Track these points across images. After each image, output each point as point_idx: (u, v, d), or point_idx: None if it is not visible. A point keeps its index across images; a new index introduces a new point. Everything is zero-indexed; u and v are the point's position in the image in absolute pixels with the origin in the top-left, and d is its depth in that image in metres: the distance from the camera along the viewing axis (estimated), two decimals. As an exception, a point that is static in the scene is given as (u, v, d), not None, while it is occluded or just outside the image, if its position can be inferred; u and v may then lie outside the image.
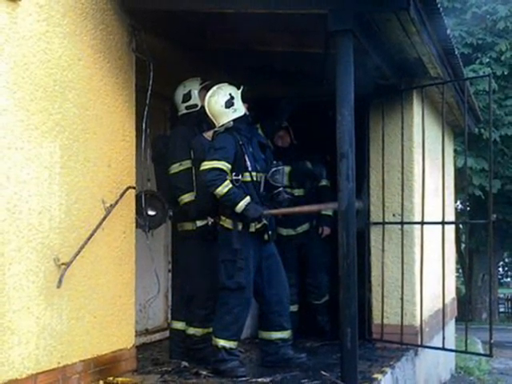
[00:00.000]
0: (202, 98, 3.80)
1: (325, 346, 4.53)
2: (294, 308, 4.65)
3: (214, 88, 3.69)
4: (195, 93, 3.94)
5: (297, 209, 4.06)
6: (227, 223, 3.59)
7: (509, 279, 31.80)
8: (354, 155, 3.14)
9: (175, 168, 3.85)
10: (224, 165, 3.51)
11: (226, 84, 3.72)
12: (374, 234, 4.65)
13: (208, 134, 3.79)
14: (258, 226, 3.60)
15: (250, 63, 4.48)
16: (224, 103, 3.63)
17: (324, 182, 4.90)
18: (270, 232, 3.68)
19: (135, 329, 3.70)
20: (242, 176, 3.60)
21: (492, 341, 4.23)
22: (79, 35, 3.16)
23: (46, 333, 2.90)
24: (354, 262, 3.14)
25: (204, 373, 3.53)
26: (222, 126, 3.66)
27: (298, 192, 4.78)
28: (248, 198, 3.53)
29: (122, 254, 3.49)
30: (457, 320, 7.21)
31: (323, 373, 3.39)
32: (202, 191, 3.64)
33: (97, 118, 3.29)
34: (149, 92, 3.64)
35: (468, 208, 12.50)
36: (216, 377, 3.48)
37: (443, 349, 4.42)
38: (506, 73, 11.25)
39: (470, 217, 11.69)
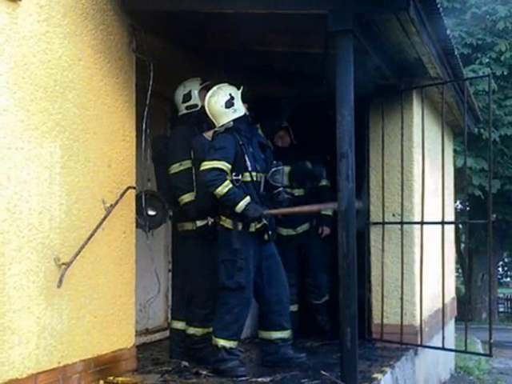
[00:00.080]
0: (202, 98, 3.80)
1: (325, 345, 4.53)
2: (293, 308, 4.65)
3: (214, 88, 3.70)
4: (195, 93, 3.94)
5: (297, 209, 4.06)
6: (227, 223, 3.59)
7: (508, 279, 31.81)
8: (353, 155, 3.15)
9: (175, 168, 3.85)
10: (224, 165, 3.52)
11: (226, 84, 3.73)
12: (374, 234, 4.66)
13: (208, 134, 3.79)
14: (258, 225, 3.61)
15: (250, 63, 4.49)
16: (224, 103, 3.63)
17: (324, 182, 4.91)
18: (270, 232, 3.68)
19: (135, 328, 3.70)
20: (242, 176, 3.60)
21: (492, 340, 4.23)
22: (79, 35, 3.17)
23: (47, 332, 2.91)
24: (354, 261, 3.14)
25: (204, 372, 3.54)
26: (222, 126, 3.66)
27: (298, 192, 4.78)
28: (248, 198, 3.54)
29: (123, 254, 3.50)
30: (456, 320, 7.22)
31: (323, 372, 3.39)
32: (202, 191, 3.64)
33: (97, 118, 3.30)
34: (149, 92, 3.65)
35: (468, 208, 12.50)
36: (216, 376, 3.49)
37: (443, 348, 4.42)
38: (505, 73, 11.25)
39: (470, 217, 11.69)
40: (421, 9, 3.42)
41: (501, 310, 17.94)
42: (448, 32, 4.16)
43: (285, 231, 4.84)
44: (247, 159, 3.62)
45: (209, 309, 3.76)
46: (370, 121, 4.67)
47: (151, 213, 3.75)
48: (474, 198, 11.25)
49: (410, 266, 4.53)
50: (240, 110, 3.66)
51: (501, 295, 18.58)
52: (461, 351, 5.34)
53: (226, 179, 3.51)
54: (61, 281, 2.96)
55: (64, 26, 3.06)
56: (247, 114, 3.72)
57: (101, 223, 3.24)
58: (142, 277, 3.93)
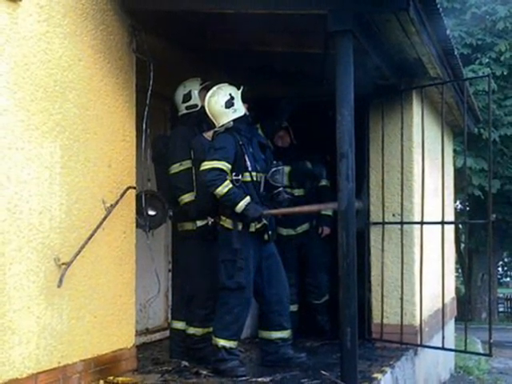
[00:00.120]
0: (202, 99, 3.81)
1: (325, 345, 4.54)
2: (293, 308, 4.65)
3: (214, 88, 3.70)
4: (195, 93, 3.94)
5: (297, 209, 4.06)
6: (227, 223, 3.60)
7: (508, 279, 31.82)
8: (353, 155, 3.15)
9: (175, 168, 3.86)
10: (224, 165, 3.52)
11: (226, 84, 3.73)
12: (374, 234, 4.66)
13: (208, 134, 3.79)
14: (258, 225, 3.61)
15: (250, 63, 4.49)
16: (224, 103, 3.64)
17: (324, 182, 4.91)
18: (269, 232, 3.68)
19: (135, 328, 3.71)
20: (242, 176, 3.60)
21: (491, 340, 4.23)
22: (80, 36, 3.17)
23: (47, 332, 2.91)
24: (354, 261, 3.15)
25: (204, 372, 3.54)
26: (222, 126, 3.67)
27: (298, 192, 4.79)
28: (248, 198, 3.54)
29: (123, 254, 3.50)
30: (456, 320, 7.22)
31: (323, 372, 3.39)
32: (202, 191, 3.64)
33: (97, 118, 3.30)
34: (149, 92, 3.65)
35: (467, 208, 12.51)
36: (216, 376, 3.49)
37: (443, 348, 4.42)
38: (505, 73, 11.25)
39: (470, 217, 11.70)
40: (421, 9, 3.42)
41: (501, 309, 17.94)
42: (448, 32, 4.16)
43: (285, 231, 4.85)
44: (247, 159, 3.62)
45: (209, 309, 3.76)
46: (369, 121, 4.67)
47: (151, 213, 3.75)
48: (474, 197, 11.26)
49: (409, 266, 4.53)
50: (240, 110, 3.67)
51: (501, 295, 18.59)
52: (461, 351, 5.35)
53: (226, 179, 3.51)
54: (61, 281, 2.96)
55: (64, 26, 3.06)
56: (247, 114, 3.72)
57: (101, 223, 3.24)
58: (142, 277, 3.93)
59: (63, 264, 2.98)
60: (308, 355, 3.88)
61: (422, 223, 4.43)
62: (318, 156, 4.97)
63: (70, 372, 3.04)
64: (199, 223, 3.80)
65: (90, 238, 3.15)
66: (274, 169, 3.78)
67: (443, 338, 4.33)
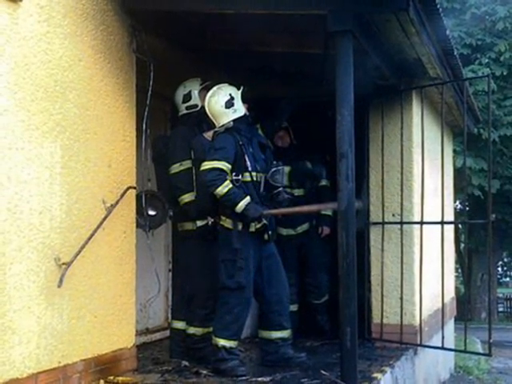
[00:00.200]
0: (202, 99, 3.81)
1: (324, 345, 4.54)
2: (293, 307, 4.66)
3: (214, 88, 3.70)
4: (195, 93, 3.95)
5: (297, 209, 4.07)
6: (227, 223, 3.60)
7: (508, 279, 31.83)
8: (353, 155, 3.16)
9: (175, 168, 3.86)
10: (224, 165, 3.53)
11: (226, 84, 3.73)
12: (374, 234, 4.66)
13: (208, 134, 3.80)
14: (258, 225, 3.61)
15: (250, 64, 4.50)
16: (224, 103, 3.64)
17: (324, 182, 4.92)
18: (269, 232, 3.69)
19: (136, 328, 3.71)
20: (242, 176, 3.61)
21: (491, 340, 4.24)
22: (80, 36, 3.18)
23: (47, 332, 2.91)
24: (354, 261, 3.15)
25: (204, 372, 3.55)
26: (222, 126, 3.67)
27: (297, 192, 4.79)
28: (248, 198, 3.54)
29: (123, 254, 3.50)
30: (456, 319, 7.22)
31: (323, 372, 3.39)
32: (202, 191, 3.65)
33: (97, 118, 3.30)
34: (149, 92, 3.65)
35: (467, 208, 12.51)
36: (216, 376, 3.49)
37: (442, 348, 4.43)
38: (505, 73, 11.26)
39: (469, 217, 11.70)
40: (420, 9, 3.43)
41: (500, 309, 17.95)
42: (447, 32, 4.17)
43: (285, 231, 4.85)
44: (247, 159, 3.63)
45: (209, 308, 3.77)
46: (369, 121, 4.67)
47: (151, 213, 3.76)
48: (474, 197, 11.26)
49: (409, 266, 4.54)
50: (240, 110, 3.67)
51: (500, 295, 18.60)
52: (460, 351, 5.35)
53: (226, 179, 3.51)
54: (61, 280, 2.96)
55: (64, 26, 3.06)
56: (247, 114, 3.73)
57: (101, 223, 3.25)
58: (142, 276, 3.93)
59: (63, 264, 2.99)
60: (308, 355, 3.89)
61: (421, 223, 4.44)
62: (317, 156, 4.97)
63: (70, 372, 3.05)
64: (199, 223, 3.80)
65: (90, 238, 3.15)
66: (274, 169, 3.79)
67: (443, 337, 4.33)
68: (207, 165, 3.53)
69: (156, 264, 4.06)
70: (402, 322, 4.46)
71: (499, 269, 25.90)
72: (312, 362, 3.81)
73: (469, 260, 14.56)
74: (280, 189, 3.80)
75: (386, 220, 4.60)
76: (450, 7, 11.77)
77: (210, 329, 3.69)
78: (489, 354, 4.49)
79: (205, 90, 3.86)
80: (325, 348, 4.44)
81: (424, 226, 4.45)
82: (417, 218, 4.53)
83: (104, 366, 3.30)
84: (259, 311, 3.94)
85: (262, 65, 4.50)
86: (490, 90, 4.77)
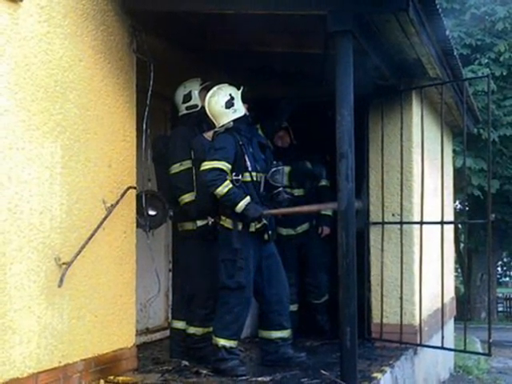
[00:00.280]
0: (203, 99, 3.82)
1: (324, 345, 4.55)
2: (293, 307, 4.66)
3: (215, 88, 3.71)
4: (195, 93, 3.95)
5: (297, 209, 4.07)
6: (227, 223, 3.61)
7: (507, 279, 31.83)
8: (353, 155, 3.16)
9: (175, 168, 3.87)
10: (224, 165, 3.53)
11: (226, 84, 3.74)
12: (374, 234, 4.67)
13: (208, 135, 3.80)
14: (258, 225, 3.62)
15: (250, 64, 4.50)
16: (224, 104, 3.65)
17: (324, 182, 4.92)
18: (269, 232, 3.69)
19: (136, 328, 3.72)
20: (242, 176, 3.61)
21: (491, 340, 4.25)
22: (80, 36, 3.18)
23: (47, 332, 2.91)
24: (354, 261, 3.16)
25: (204, 372, 3.55)
26: (222, 126, 3.68)
27: (297, 192, 4.79)
28: (248, 198, 3.55)
29: (123, 254, 3.51)
30: (456, 319, 7.23)
31: (323, 372, 3.40)
32: (203, 191, 3.65)
33: (98, 118, 3.31)
34: (149, 92, 3.66)
35: (467, 208, 12.51)
36: (216, 376, 3.49)
37: (442, 348, 4.43)
38: (504, 73, 11.26)
39: (469, 217, 11.70)
40: (420, 9, 3.43)
41: (500, 309, 17.95)
42: (447, 33, 4.17)
43: (285, 231, 4.86)
44: (247, 159, 3.63)
45: (209, 308, 3.77)
46: (369, 121, 4.68)
47: (152, 213, 3.76)
48: (474, 197, 11.27)
49: (409, 266, 4.54)
50: (240, 110, 3.68)
51: (500, 295, 18.61)
52: (460, 351, 5.36)
53: (226, 179, 3.52)
54: (61, 280, 2.97)
55: (65, 26, 3.07)
56: (247, 114, 3.73)
57: (101, 223, 3.25)
58: (142, 276, 3.94)
59: (64, 264, 2.99)
60: (308, 355, 3.89)
61: (421, 223, 4.44)
62: (317, 156, 4.98)
63: (70, 371, 3.05)
64: (199, 223, 3.81)
65: (90, 238, 3.15)
66: (274, 169, 3.79)
67: (442, 337, 4.34)
68: (207, 165, 3.53)
69: (156, 264, 4.07)
70: (401, 321, 4.47)
71: (499, 269, 25.91)
72: (312, 362, 3.81)
73: (468, 260, 14.56)
74: (280, 189, 3.81)
75: (385, 220, 4.61)
76: (450, 7, 11.78)
77: (210, 329, 3.69)
78: (488, 354, 4.50)
79: (205, 90, 3.87)
80: (325, 348, 4.45)
81: (424, 225, 4.45)
82: (416, 218, 4.54)
83: (104, 365, 3.30)
84: (259, 311, 3.94)
85: (262, 65, 4.50)
86: (489, 90, 4.77)
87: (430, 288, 4.86)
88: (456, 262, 12.39)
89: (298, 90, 4.59)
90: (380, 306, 4.57)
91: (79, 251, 3.07)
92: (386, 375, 3.72)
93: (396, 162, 4.62)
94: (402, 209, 4.54)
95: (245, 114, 3.70)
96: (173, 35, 4.05)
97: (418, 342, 4.53)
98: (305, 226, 4.91)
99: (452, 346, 6.07)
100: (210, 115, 3.71)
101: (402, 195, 4.55)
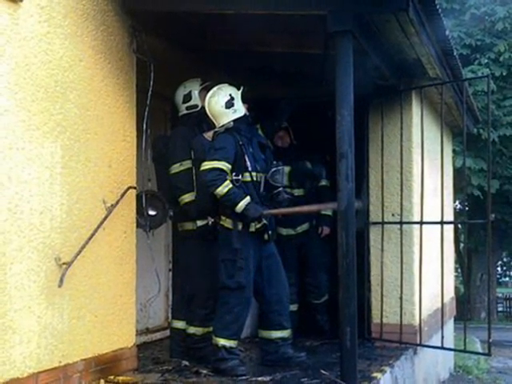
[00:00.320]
0: (203, 99, 3.82)
1: (324, 345, 4.55)
2: (293, 307, 4.67)
3: (215, 89, 3.71)
4: (195, 93, 3.95)
5: (297, 209, 4.07)
6: (227, 223, 3.61)
7: (507, 279, 31.84)
8: (353, 155, 3.16)
9: (175, 168, 3.87)
10: (224, 165, 3.53)
11: (226, 85, 3.74)
12: (374, 234, 4.67)
13: (208, 135, 3.80)
14: (258, 225, 3.62)
15: (250, 64, 4.50)
16: (224, 104, 3.65)
17: (324, 182, 4.92)
18: (269, 232, 3.70)
19: (136, 328, 3.72)
20: (242, 176, 3.61)
21: (490, 340, 4.25)
22: (80, 36, 3.18)
23: (48, 332, 2.92)
24: (354, 261, 3.16)
25: (204, 372, 3.55)
26: (222, 126, 3.68)
27: (297, 192, 4.80)
28: (248, 198, 3.55)
29: (123, 254, 3.51)
30: (456, 319, 7.23)
31: (323, 372, 3.40)
32: (203, 191, 3.66)
33: (98, 118, 3.31)
34: (149, 92, 3.66)
35: (467, 208, 12.51)
36: (216, 376, 3.50)
37: (442, 348, 4.43)
38: (504, 73, 11.26)
39: (469, 217, 11.70)
40: (420, 9, 3.44)
41: (500, 309, 17.96)
42: (447, 33, 4.17)
43: (285, 231, 4.86)
44: (247, 159, 3.63)
45: (209, 308, 3.78)
46: (369, 121, 4.68)
47: (152, 213, 3.76)
48: (473, 197, 11.27)
49: (409, 266, 4.55)
50: (240, 110, 3.68)
51: (500, 295, 18.61)
52: (460, 350, 5.36)
53: (226, 179, 3.52)
54: (62, 280, 2.97)
55: (65, 26, 3.07)
56: (247, 114, 3.73)
57: (101, 223, 3.25)
58: (142, 276, 3.94)
59: (64, 264, 2.99)
60: (308, 354, 3.89)
61: (421, 223, 4.45)
62: (317, 156, 4.98)
63: (70, 371, 3.05)
64: (199, 223, 3.81)
65: (90, 238, 3.16)
66: (274, 169, 3.79)
67: (442, 337, 4.34)
68: (207, 165, 3.53)
69: (156, 264, 4.07)
70: (401, 321, 4.47)
71: (499, 268, 25.92)
72: (312, 362, 3.81)
73: (468, 260, 14.56)
74: (280, 189, 3.81)
75: (385, 220, 4.61)
76: (450, 8, 11.78)
77: (210, 328, 3.70)
78: (488, 354, 4.50)
79: (205, 90, 3.87)
80: (324, 348, 4.45)
81: (424, 225, 4.46)
82: (416, 218, 4.54)
83: (104, 365, 3.31)
84: (259, 311, 3.95)
85: (262, 65, 4.50)
86: (489, 90, 4.77)
87: (430, 288, 4.86)
88: (456, 262, 12.39)
89: (298, 90, 4.59)
90: (380, 306, 4.57)
91: (79, 251, 3.08)
92: (385, 375, 3.72)
93: (396, 162, 4.62)
94: (401, 209, 4.55)
95: (245, 114, 3.71)
96: (173, 35, 4.05)
97: (418, 341, 4.53)
98: (305, 226, 4.92)
99: (452, 346, 6.07)
100: (210, 115, 3.71)
101: (401, 195, 4.55)
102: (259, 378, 3.42)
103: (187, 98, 3.96)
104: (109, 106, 3.41)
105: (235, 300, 3.56)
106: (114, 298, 3.42)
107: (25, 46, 2.82)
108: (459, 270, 16.32)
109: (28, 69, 2.83)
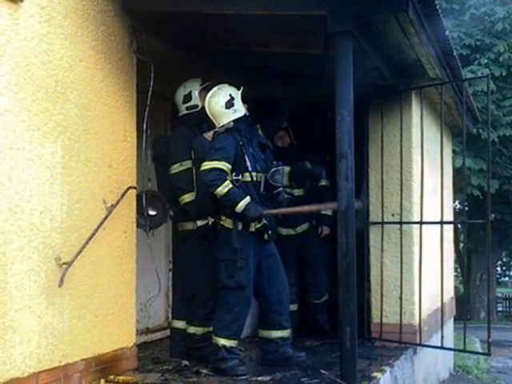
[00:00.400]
0: (203, 99, 3.82)
1: (324, 344, 4.55)
2: (293, 307, 4.67)
3: (215, 89, 3.72)
4: (196, 93, 3.96)
5: (296, 209, 4.08)
6: (227, 223, 3.61)
7: (507, 278, 31.85)
8: (353, 155, 3.17)
9: (176, 168, 3.87)
10: (224, 165, 3.54)
11: (226, 85, 3.74)
12: (373, 234, 4.68)
13: (208, 135, 3.81)
14: (258, 225, 3.62)
15: (250, 64, 4.51)
16: (224, 104, 3.65)
17: (323, 182, 4.93)
18: (269, 232, 3.70)
19: (136, 328, 3.72)
20: (242, 176, 3.62)
21: (490, 340, 4.25)
22: (80, 36, 3.18)
23: (48, 332, 2.92)
24: (354, 261, 3.16)
25: (204, 371, 3.56)
26: (223, 126, 3.68)
27: (297, 192, 4.80)
28: (248, 198, 3.56)
29: (123, 254, 3.51)
30: (455, 319, 7.24)
31: (323, 371, 3.41)
32: (203, 191, 3.66)
33: (98, 118, 3.31)
34: (149, 93, 3.66)
35: (466, 208, 12.52)
36: (216, 375, 3.50)
37: (442, 348, 4.44)
38: (504, 74, 11.27)
39: (469, 217, 11.70)
40: (420, 10, 3.44)
41: (499, 309, 17.97)
42: (447, 33, 4.18)
43: (285, 231, 4.86)
44: (247, 159, 3.64)
45: (209, 308, 3.78)
46: (369, 121, 4.69)
47: (152, 213, 3.77)
48: (473, 198, 11.28)
49: (409, 266, 4.55)
50: (240, 110, 3.68)
51: (499, 294, 18.62)
52: (460, 350, 5.36)
53: (226, 179, 3.52)
54: (62, 280, 2.97)
55: (65, 27, 3.07)
56: (247, 114, 3.74)
57: (102, 223, 3.26)
58: (142, 276, 3.94)
59: (64, 263, 3.00)
60: (308, 354, 3.90)
61: (421, 223, 4.45)
62: (317, 156, 4.98)
63: (71, 371, 3.06)
64: (199, 223, 3.81)
65: (90, 238, 3.16)
66: (274, 169, 3.80)
67: (442, 337, 4.34)
68: (207, 165, 3.54)
69: (156, 264, 4.07)
70: (401, 321, 4.48)
71: (498, 268, 25.92)
72: (312, 362, 3.82)
73: (468, 260, 14.57)
74: (280, 189, 3.81)
75: (385, 220, 4.61)
76: (450, 8, 11.78)
77: (211, 328, 3.70)
78: (488, 354, 4.51)
79: (205, 90, 3.88)
80: (324, 347, 4.45)
81: (423, 225, 4.46)
82: (416, 218, 4.54)
83: (105, 365, 3.31)
84: (259, 311, 3.95)
85: (262, 65, 4.51)
86: (489, 90, 4.78)
87: (430, 288, 4.86)
88: (455, 262, 12.40)
89: (298, 90, 4.59)
90: (380, 306, 4.57)
91: (80, 251, 3.08)
92: (385, 375, 3.73)
93: (396, 162, 4.63)
94: (401, 209, 4.55)
95: (245, 114, 3.71)
96: (173, 35, 4.05)
97: (418, 341, 4.53)
98: (305, 226, 4.92)
99: (452, 346, 6.08)
100: (210, 115, 3.71)
101: (401, 195, 4.56)
102: (259, 378, 3.42)
103: (187, 98, 3.96)
104: (109, 106, 3.41)
105: (235, 300, 3.56)
106: (115, 298, 3.43)
107: (25, 47, 2.82)
108: (459, 270, 16.33)
109: (28, 69, 2.84)
